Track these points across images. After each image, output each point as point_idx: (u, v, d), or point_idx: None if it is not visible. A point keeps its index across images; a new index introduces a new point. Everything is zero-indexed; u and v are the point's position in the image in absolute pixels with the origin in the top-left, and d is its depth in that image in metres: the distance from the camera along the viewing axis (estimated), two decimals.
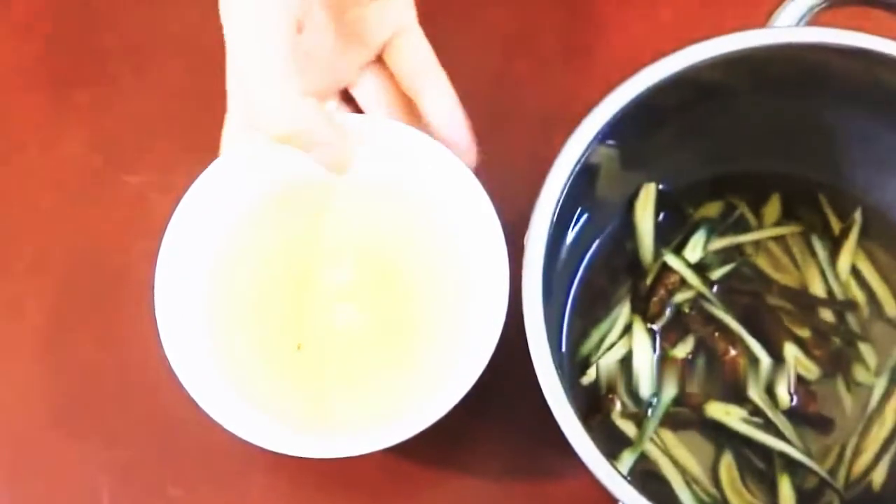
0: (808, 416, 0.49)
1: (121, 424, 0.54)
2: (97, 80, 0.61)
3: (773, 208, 0.53)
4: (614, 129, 0.45)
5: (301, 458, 0.45)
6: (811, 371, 0.50)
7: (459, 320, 0.51)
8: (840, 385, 0.50)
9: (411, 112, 0.52)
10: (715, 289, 0.51)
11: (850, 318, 0.51)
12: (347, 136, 0.47)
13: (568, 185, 0.45)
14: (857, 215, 0.52)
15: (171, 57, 0.61)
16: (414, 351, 0.52)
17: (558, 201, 0.44)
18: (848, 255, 0.51)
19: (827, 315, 0.51)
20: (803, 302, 0.51)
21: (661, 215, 0.52)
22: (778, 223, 0.52)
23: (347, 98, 0.53)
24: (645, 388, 0.50)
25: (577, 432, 0.41)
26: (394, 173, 0.51)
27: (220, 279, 0.52)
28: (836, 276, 0.51)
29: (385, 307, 0.52)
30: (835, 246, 0.52)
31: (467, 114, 0.51)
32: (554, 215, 0.44)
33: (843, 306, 0.51)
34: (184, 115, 0.58)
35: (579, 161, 0.45)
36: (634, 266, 0.52)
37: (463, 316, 0.50)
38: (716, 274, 0.51)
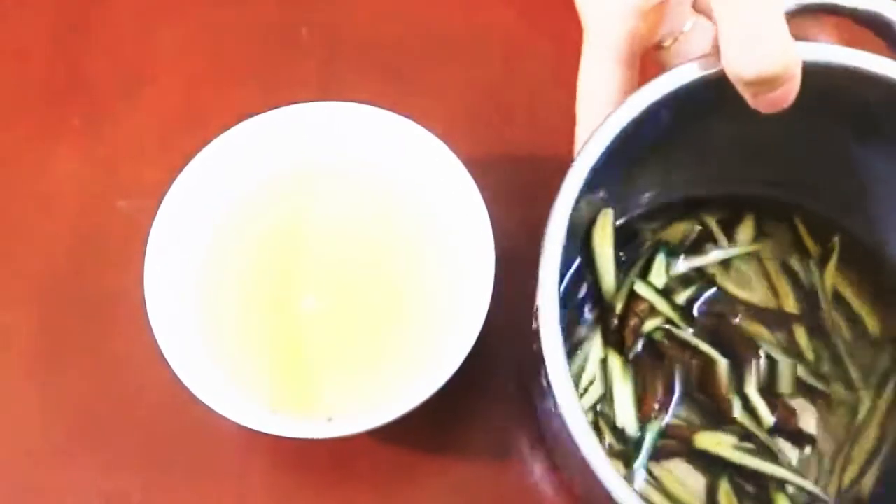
0: (789, 432, 0.49)
1: (118, 450, 0.53)
2: (90, 103, 0.61)
3: (746, 228, 0.52)
4: (598, 173, 0.43)
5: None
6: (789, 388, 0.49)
7: (445, 308, 0.50)
8: (821, 400, 0.50)
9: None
10: (688, 312, 0.50)
11: (830, 335, 0.51)
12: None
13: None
14: (836, 241, 0.51)
15: (164, 80, 0.61)
16: (398, 337, 0.51)
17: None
18: (829, 279, 0.51)
19: (801, 332, 0.51)
20: (777, 320, 0.51)
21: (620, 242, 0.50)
22: (751, 243, 0.52)
23: None
24: (630, 427, 0.48)
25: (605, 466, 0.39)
26: (379, 159, 0.52)
27: (209, 271, 0.51)
28: (812, 294, 0.51)
29: (368, 296, 0.51)
30: (809, 263, 0.51)
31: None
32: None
33: (819, 322, 0.51)
34: (176, 138, 0.56)
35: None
36: (599, 297, 0.50)
37: (448, 304, 0.50)
38: (681, 297, 0.50)
